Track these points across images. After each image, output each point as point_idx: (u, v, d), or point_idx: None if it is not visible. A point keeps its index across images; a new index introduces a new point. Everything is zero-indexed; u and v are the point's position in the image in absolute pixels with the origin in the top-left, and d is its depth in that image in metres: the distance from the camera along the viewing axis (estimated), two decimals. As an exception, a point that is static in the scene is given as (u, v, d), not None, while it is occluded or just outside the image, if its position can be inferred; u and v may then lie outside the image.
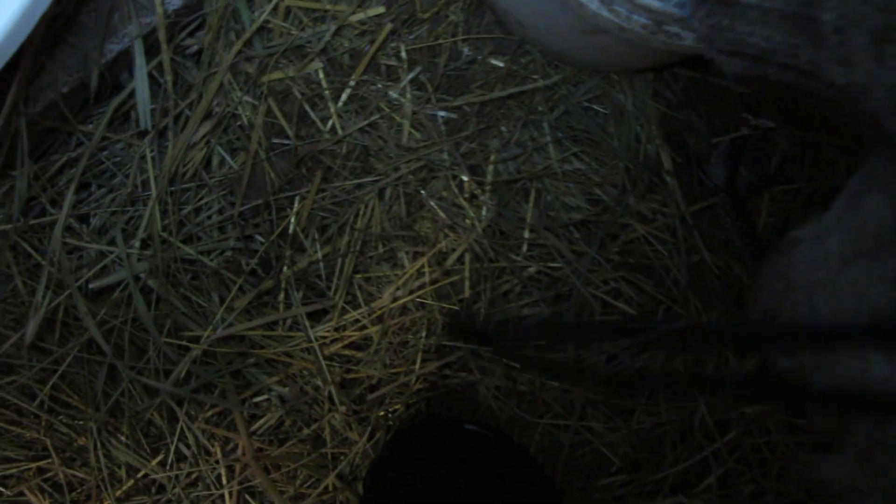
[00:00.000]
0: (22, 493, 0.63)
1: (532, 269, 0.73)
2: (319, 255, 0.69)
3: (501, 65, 0.75)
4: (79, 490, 0.65)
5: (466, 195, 0.73)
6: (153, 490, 0.66)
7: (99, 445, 0.64)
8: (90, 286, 0.64)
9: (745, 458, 0.71)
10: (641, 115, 0.76)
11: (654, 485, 0.72)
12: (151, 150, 0.66)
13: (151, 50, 0.66)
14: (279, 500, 0.64)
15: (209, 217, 0.68)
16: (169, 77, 0.65)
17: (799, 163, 0.76)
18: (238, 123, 0.70)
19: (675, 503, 0.71)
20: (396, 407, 0.71)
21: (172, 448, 0.63)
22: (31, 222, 0.62)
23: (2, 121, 0.53)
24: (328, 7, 0.71)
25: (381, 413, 0.70)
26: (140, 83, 0.64)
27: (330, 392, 0.67)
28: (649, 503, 0.72)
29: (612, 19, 0.61)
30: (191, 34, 0.68)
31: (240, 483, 0.66)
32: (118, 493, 0.64)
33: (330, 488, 0.68)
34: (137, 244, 0.64)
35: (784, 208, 0.75)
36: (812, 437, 0.69)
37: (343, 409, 0.68)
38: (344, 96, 0.72)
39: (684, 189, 0.74)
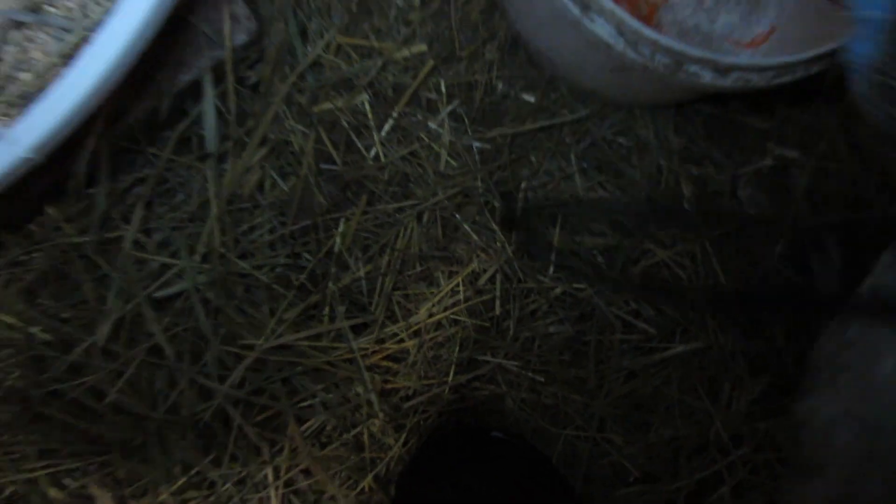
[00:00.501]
0: (85, 486, 0.69)
1: (558, 290, 0.78)
2: (362, 272, 0.74)
3: (532, 100, 0.81)
4: (136, 485, 0.70)
5: (498, 220, 0.78)
6: (204, 486, 0.71)
7: (157, 443, 0.69)
8: (154, 296, 0.70)
9: (757, 471, 0.76)
10: (663, 148, 0.82)
11: (670, 495, 0.76)
12: (213, 173, 0.72)
13: (215, 80, 0.72)
14: (336, 490, 0.69)
15: (261, 235, 0.74)
16: (233, 106, 0.71)
17: (822, 193, 0.81)
18: (290, 150, 0.75)
19: (689, 513, 0.76)
20: (429, 416, 0.76)
21: (230, 448, 0.69)
22: (105, 236, 0.68)
23: (93, 147, 0.59)
24: (375, 44, 0.78)
25: (416, 420, 0.75)
26: (208, 112, 0.70)
27: (370, 400, 0.73)
28: (665, 513, 0.76)
29: (636, 59, 0.67)
30: (250, 66, 0.75)
31: (286, 485, 0.71)
32: (173, 488, 0.69)
33: (366, 489, 0.73)
34: (198, 258, 0.70)
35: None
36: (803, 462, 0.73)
37: (382, 416, 0.73)
38: (387, 126, 0.78)
39: (703, 217, 0.79)
